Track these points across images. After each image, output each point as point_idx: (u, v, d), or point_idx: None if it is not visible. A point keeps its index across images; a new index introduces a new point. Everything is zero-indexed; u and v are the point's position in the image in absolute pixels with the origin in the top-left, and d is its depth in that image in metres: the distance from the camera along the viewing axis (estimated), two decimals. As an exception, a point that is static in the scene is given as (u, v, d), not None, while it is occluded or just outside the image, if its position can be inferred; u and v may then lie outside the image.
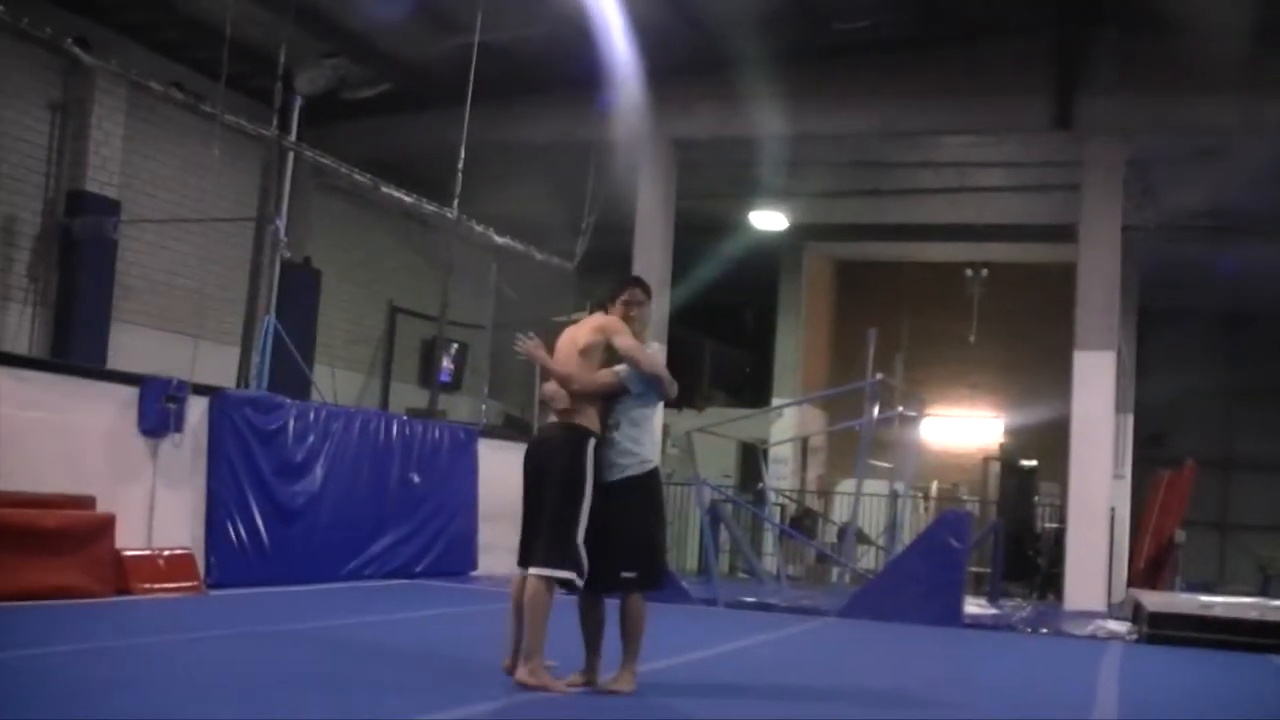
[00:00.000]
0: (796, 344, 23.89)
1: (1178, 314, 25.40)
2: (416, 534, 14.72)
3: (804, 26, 16.26)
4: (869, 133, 17.88)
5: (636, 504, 7.18)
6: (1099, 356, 16.32)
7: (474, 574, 15.35)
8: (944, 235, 22.49)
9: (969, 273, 23.64)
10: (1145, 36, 16.14)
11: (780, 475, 22.12)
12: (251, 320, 15.10)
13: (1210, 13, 15.42)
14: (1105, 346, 16.37)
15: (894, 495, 18.55)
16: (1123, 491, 21.41)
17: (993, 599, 16.56)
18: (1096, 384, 16.33)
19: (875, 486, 18.93)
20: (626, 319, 7.34)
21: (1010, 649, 12.22)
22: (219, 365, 15.10)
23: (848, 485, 19.46)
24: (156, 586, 10.80)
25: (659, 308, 17.11)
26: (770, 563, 19.21)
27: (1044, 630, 13.63)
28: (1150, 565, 19.94)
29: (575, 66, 16.98)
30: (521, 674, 6.91)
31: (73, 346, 14.57)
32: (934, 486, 22.90)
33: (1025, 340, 23.27)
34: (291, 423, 12.98)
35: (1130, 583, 19.18)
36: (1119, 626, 13.63)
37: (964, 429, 24.81)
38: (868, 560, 19.04)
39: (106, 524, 10.38)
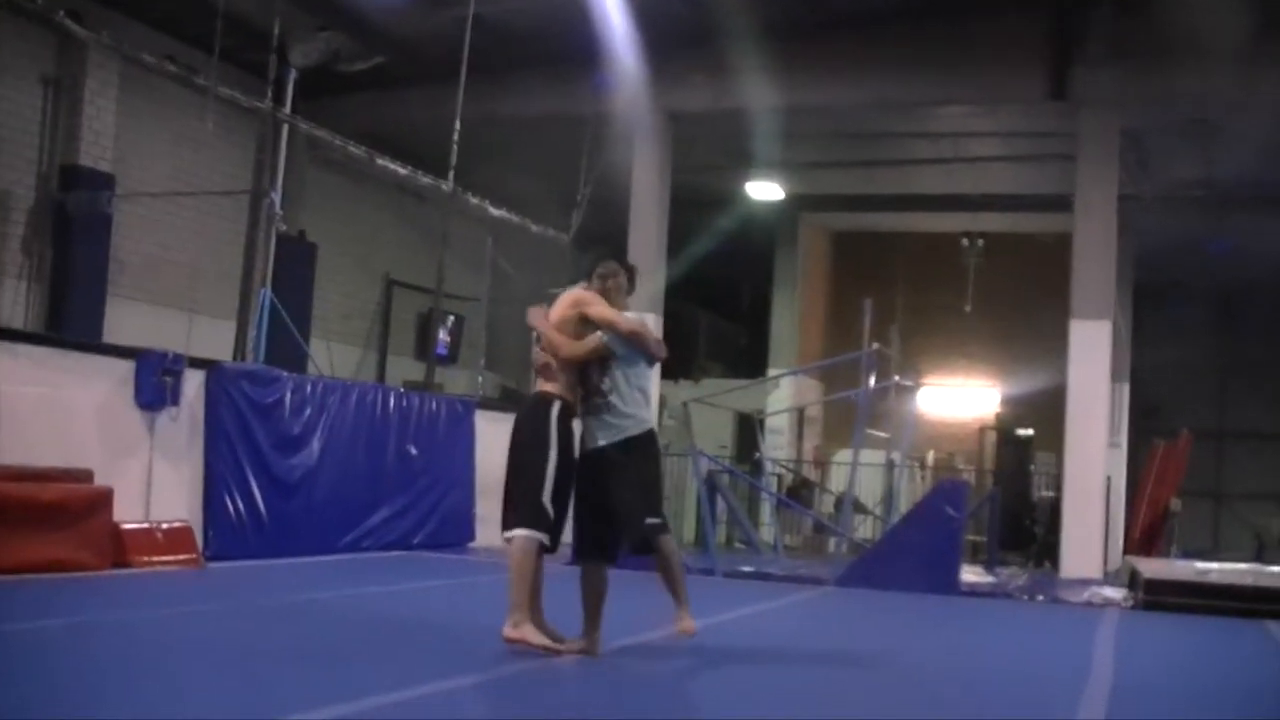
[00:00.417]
0: (792, 315, 23.91)
1: (1173, 286, 25.47)
2: (413, 506, 14.76)
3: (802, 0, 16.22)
4: (863, 104, 17.82)
5: (642, 460, 7.31)
6: (1095, 326, 16.31)
7: (471, 546, 15.39)
8: (939, 206, 22.47)
9: (965, 243, 23.61)
10: (1139, 8, 16.11)
11: (776, 446, 22.15)
12: (247, 294, 15.11)
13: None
14: (1101, 316, 16.37)
15: (890, 465, 18.59)
16: (1119, 461, 21.48)
17: (990, 567, 16.61)
18: (1092, 354, 16.33)
19: (872, 456, 18.95)
20: (603, 292, 7.49)
21: (1007, 617, 12.27)
22: (215, 340, 15.10)
23: (844, 455, 19.46)
24: (155, 560, 10.84)
25: (654, 281, 17.11)
26: (767, 533, 19.25)
27: (1040, 598, 13.67)
28: (1146, 534, 20.00)
29: (570, 40, 16.92)
30: (505, 628, 7.00)
31: (68, 321, 14.55)
32: (930, 456, 22.94)
33: (1021, 310, 23.27)
34: (288, 396, 13.01)
35: (1126, 551, 19.23)
36: (1115, 594, 13.67)
37: (960, 399, 24.84)
38: (865, 530, 19.07)
39: (104, 497, 10.40)
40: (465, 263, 19.25)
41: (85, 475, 10.50)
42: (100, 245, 15.31)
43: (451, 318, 20.67)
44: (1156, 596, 12.71)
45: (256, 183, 15.76)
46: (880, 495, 19.00)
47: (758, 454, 19.71)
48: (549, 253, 19.97)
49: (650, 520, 7.22)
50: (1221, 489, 28.35)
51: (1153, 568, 14.37)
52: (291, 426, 13.05)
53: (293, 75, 15.73)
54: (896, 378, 17.83)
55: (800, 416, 23.29)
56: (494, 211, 18.54)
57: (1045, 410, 19.79)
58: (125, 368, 11.39)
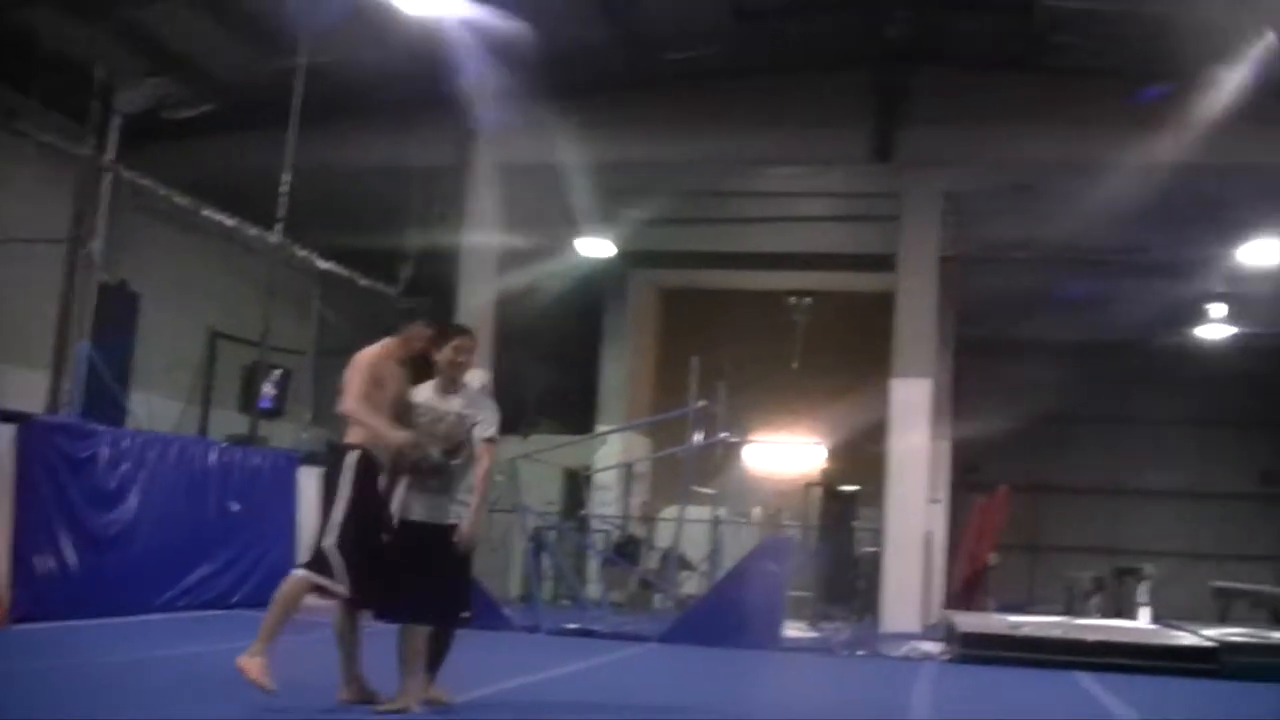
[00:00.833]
0: (622, 370, 24.01)
1: (994, 343, 26.14)
2: (234, 563, 14.46)
3: (631, 56, 16.40)
4: (694, 162, 18.07)
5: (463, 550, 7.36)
6: (916, 384, 16.70)
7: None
8: (768, 264, 22.78)
9: (792, 300, 23.95)
10: (962, 74, 16.66)
11: (604, 502, 22.16)
12: (63, 345, 14.69)
13: (1023, 53, 16.02)
14: (922, 374, 16.76)
15: (716, 521, 18.72)
16: (939, 516, 21.90)
17: (813, 622, 16.81)
18: (913, 411, 16.70)
19: (698, 512, 19.05)
20: (454, 364, 7.51)
21: (828, 671, 12.43)
22: (28, 392, 14.64)
23: (671, 511, 19.56)
24: (-46, 622, 10.44)
25: (485, 334, 17.07)
26: (594, 589, 19.24)
27: (861, 652, 13.89)
28: (965, 587, 20.43)
29: (402, 91, 16.91)
30: (241, 658, 7.03)
31: None
32: (756, 512, 23.14)
33: (847, 368, 23.62)
34: (105, 450, 12.67)
35: (946, 604, 19.62)
36: (933, 647, 13.95)
37: (786, 455, 25.12)
38: (690, 586, 19.17)
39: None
40: (292, 315, 18.98)
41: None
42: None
43: (278, 371, 20.34)
44: (972, 649, 13.00)
45: (74, 230, 15.37)
46: (706, 551, 19.11)
47: (584, 510, 19.71)
48: (378, 306, 19.79)
49: (465, 615, 7.48)
50: (1038, 542, 29.12)
51: (969, 621, 14.69)
52: (107, 481, 12.70)
53: (116, 121, 15.41)
54: (724, 434, 18.00)
55: (628, 472, 23.34)
56: (321, 264, 18.34)
57: (869, 466, 20.09)
58: (-70, 420, 11.02)
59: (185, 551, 13.71)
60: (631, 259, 23.06)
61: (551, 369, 25.87)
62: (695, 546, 19.31)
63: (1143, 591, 22.96)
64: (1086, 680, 11.61)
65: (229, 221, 17.22)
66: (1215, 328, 24.11)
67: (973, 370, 25.54)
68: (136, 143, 16.65)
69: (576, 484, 20.94)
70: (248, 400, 19.72)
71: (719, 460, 19.03)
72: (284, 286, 17.54)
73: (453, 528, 7.30)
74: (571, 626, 14.40)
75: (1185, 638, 14.19)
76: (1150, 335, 24.09)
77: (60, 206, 16.27)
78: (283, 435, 20.27)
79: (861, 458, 21.71)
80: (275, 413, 20.42)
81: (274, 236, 16.28)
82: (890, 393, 16.82)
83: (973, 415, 25.20)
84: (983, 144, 16.87)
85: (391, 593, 7.21)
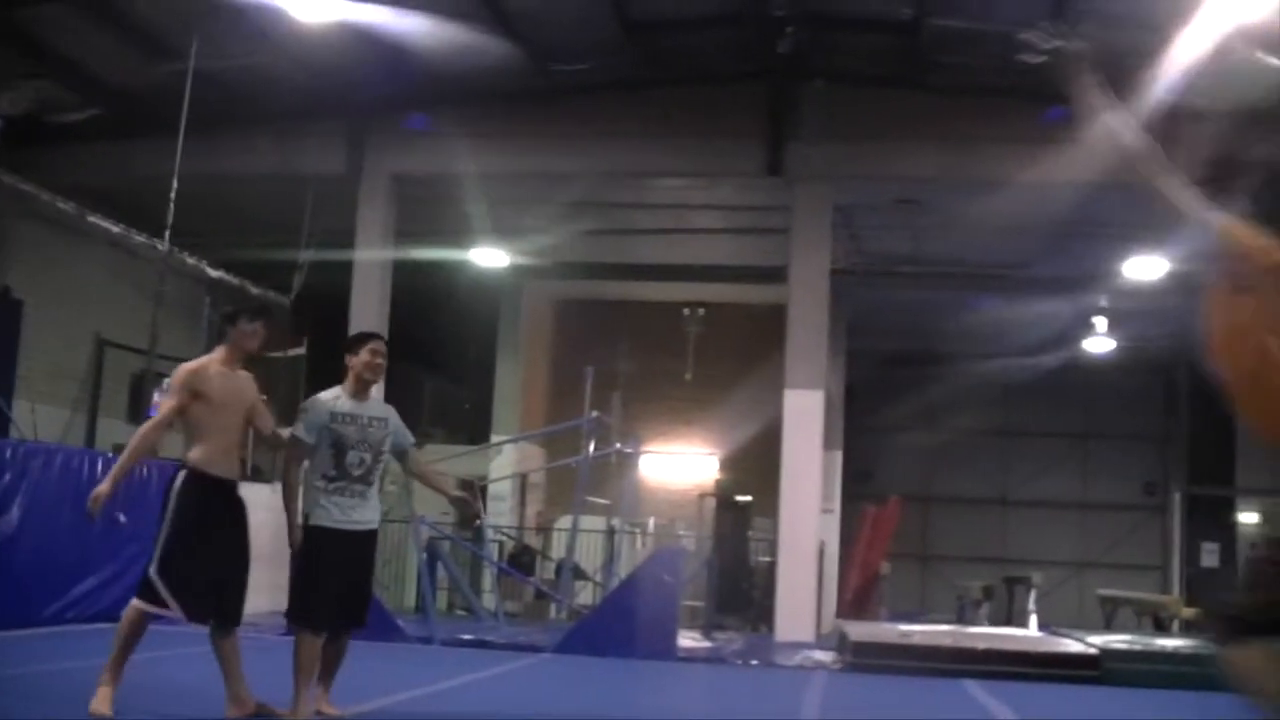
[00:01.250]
0: (516, 381, 23.95)
1: (885, 356, 26.47)
2: (122, 575, 14.17)
3: (525, 67, 16.38)
4: (588, 173, 18.08)
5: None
6: (808, 395, 16.83)
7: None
8: (662, 275, 22.87)
9: (686, 312, 24.09)
10: (852, 90, 16.89)
11: (499, 512, 22.10)
12: (-57, 353, 14.40)
13: (911, 72, 16.25)
14: (814, 386, 16.89)
15: (611, 531, 18.75)
16: (832, 526, 22.13)
17: (707, 632, 16.86)
18: (805, 422, 16.83)
19: (593, 523, 19.09)
20: (371, 366, 7.61)
21: (721, 681, 12.49)
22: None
23: (566, 521, 19.57)
24: None
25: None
26: (489, 600, 19.16)
27: (755, 662, 13.97)
28: (857, 596, 20.65)
29: (294, 98, 16.77)
30: (93, 702, 6.93)
31: None
32: (651, 522, 23.19)
33: (740, 379, 23.75)
34: (-14, 461, 12.40)
35: (839, 613, 19.80)
36: (825, 656, 14.08)
37: (681, 466, 25.20)
38: (586, 596, 19.17)
39: None
40: (182, 323, 18.72)
41: None
42: None
43: (166, 380, 20.01)
44: (863, 658, 13.15)
45: (-47, 236, 15.09)
46: (601, 561, 19.13)
47: (479, 520, 19.62)
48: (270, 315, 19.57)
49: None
50: (928, 551, 29.50)
51: (860, 630, 14.85)
52: (-11, 492, 12.44)
53: (-2, 124, 15.14)
54: (618, 445, 18.04)
55: (523, 483, 23.29)
56: (212, 272, 18.13)
57: (763, 477, 20.20)
58: None
59: (71, 564, 13.45)
60: (526, 270, 23.00)
61: (445, 379, 25.77)
62: (590, 557, 19.35)
63: (1031, 600, 23.39)
64: (974, 688, 11.78)
65: (115, 228, 16.96)
66: (1099, 341, 24.58)
67: (864, 381, 25.85)
68: (19, 146, 16.37)
69: (471, 494, 20.81)
70: (136, 410, 19.39)
71: (613, 470, 19.08)
72: (173, 295, 17.29)
73: (373, 533, 7.50)
74: (466, 637, 14.34)
75: (1071, 645, 14.45)
76: (1037, 349, 24.51)
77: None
78: (172, 445, 19.93)
79: (755, 468, 21.86)
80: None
81: (162, 244, 16.04)
82: (784, 403, 16.94)
83: (864, 426, 25.51)
84: (870, 159, 17.08)
85: (229, 602, 7.18)
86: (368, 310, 17.49)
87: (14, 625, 12.19)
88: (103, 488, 7.04)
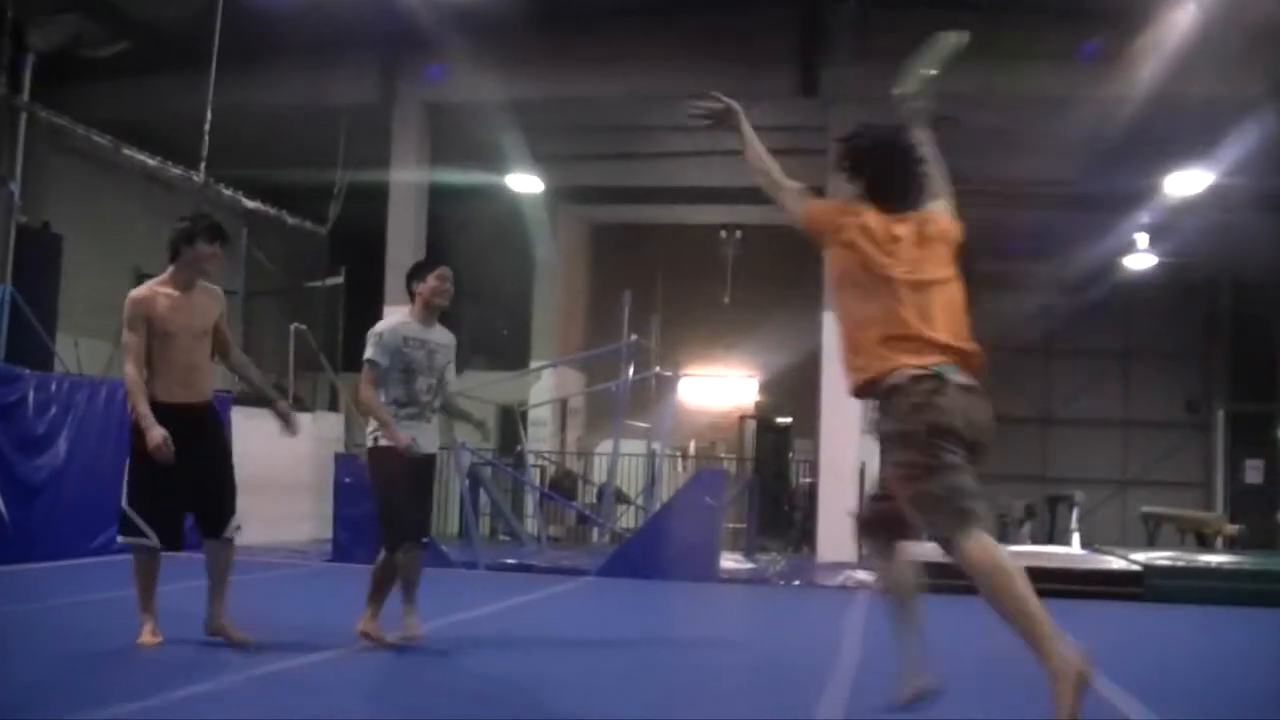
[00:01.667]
0: (554, 307, 23.97)
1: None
2: (167, 505, 14.34)
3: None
4: (620, 97, 17.96)
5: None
6: (847, 316, 16.73)
7: (228, 545, 15.03)
8: (697, 198, 22.72)
9: (723, 235, 23.99)
10: (887, 9, 16.65)
11: (539, 438, 22.20)
12: (-18, 289, 14.49)
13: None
14: (853, 306, 16.79)
15: (652, 455, 18.80)
16: (872, 447, 22.07)
17: (749, 554, 16.94)
18: (845, 343, 16.75)
19: (633, 447, 19.13)
20: (440, 292, 7.81)
21: (764, 602, 12.55)
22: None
23: (606, 446, 19.64)
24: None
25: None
26: (531, 525, 19.28)
27: (797, 582, 14.03)
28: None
29: (325, 28, 16.66)
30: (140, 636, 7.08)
31: None
32: (691, 445, 23.27)
33: (779, 301, 23.67)
34: (31, 395, 12.53)
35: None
36: (867, 576, 14.09)
37: (720, 389, 25.23)
38: (627, 520, 19.27)
39: None
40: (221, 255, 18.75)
41: None
42: None
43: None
44: (905, 578, 13.13)
45: (-10, 171, 15.14)
46: (642, 485, 19.20)
47: (520, 446, 19.72)
48: (307, 245, 19.62)
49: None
50: (971, 471, 29.43)
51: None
52: (35, 427, 12.57)
53: (30, 59, 15.10)
54: (657, 368, 18.04)
55: (563, 408, 23.37)
56: (248, 203, 18.14)
57: (803, 399, 20.22)
58: None
59: (117, 495, 13.57)
60: (561, 195, 22.95)
61: (483, 306, 25.78)
62: (631, 481, 19.42)
63: (1073, 518, 23.35)
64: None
65: (151, 161, 16.98)
66: (1140, 258, 24.35)
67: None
68: (54, 82, 16.36)
69: (511, 420, 20.93)
70: (176, 342, 19.48)
71: (653, 395, 19.10)
72: (210, 227, 17.29)
73: (434, 457, 7.80)
74: (510, 562, 14.45)
75: (1114, 562, 14.44)
76: (1078, 266, 24.26)
77: (-23, 149, 16.00)
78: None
79: (796, 390, 21.84)
80: (205, 354, 20.21)
81: (198, 176, 16.06)
82: (822, 324, 16.87)
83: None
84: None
85: (208, 518, 7.33)
86: (404, 239, 17.48)
87: (64, 556, 12.38)
88: (155, 434, 6.87)
